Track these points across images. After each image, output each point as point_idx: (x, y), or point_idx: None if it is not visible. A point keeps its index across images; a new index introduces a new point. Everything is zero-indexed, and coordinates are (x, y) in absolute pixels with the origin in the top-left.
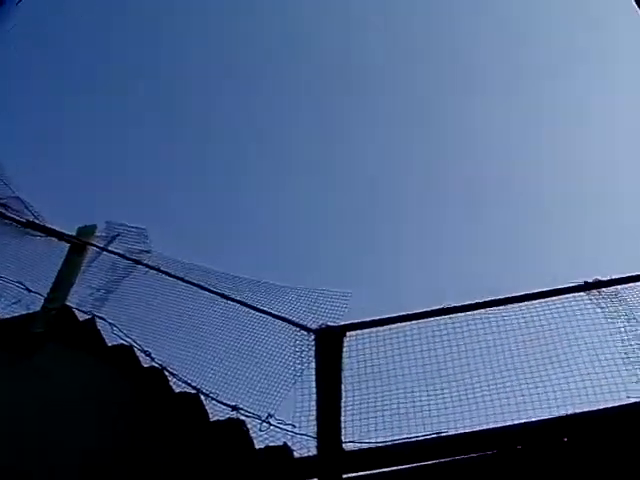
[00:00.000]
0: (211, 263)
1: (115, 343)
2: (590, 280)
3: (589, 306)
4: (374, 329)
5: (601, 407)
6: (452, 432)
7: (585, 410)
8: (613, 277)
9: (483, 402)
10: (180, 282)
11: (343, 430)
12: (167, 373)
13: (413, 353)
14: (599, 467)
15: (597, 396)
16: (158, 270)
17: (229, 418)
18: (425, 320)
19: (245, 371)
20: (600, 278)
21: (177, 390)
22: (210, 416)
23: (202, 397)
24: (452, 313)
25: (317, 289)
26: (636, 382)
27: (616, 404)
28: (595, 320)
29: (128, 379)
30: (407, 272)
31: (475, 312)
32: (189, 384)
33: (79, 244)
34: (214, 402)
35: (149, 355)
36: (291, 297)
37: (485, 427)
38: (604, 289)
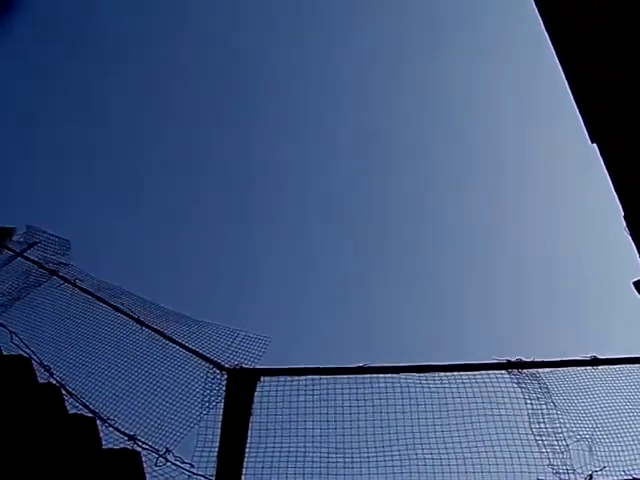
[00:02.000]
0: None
1: (13, 353)
2: (513, 359)
3: (509, 384)
4: (290, 377)
5: None
6: None
7: None
8: (535, 359)
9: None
10: (96, 301)
11: (244, 478)
12: (64, 392)
13: (326, 408)
14: None
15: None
16: (74, 285)
17: (123, 448)
18: (343, 375)
19: (149, 401)
20: (522, 358)
21: (73, 411)
22: (105, 443)
23: (99, 422)
24: (370, 373)
25: (236, 329)
26: (547, 465)
27: None
28: (513, 399)
29: (20, 393)
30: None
31: (393, 375)
32: (87, 406)
33: None
34: (111, 429)
35: (48, 370)
36: (209, 333)
37: None
38: (525, 370)
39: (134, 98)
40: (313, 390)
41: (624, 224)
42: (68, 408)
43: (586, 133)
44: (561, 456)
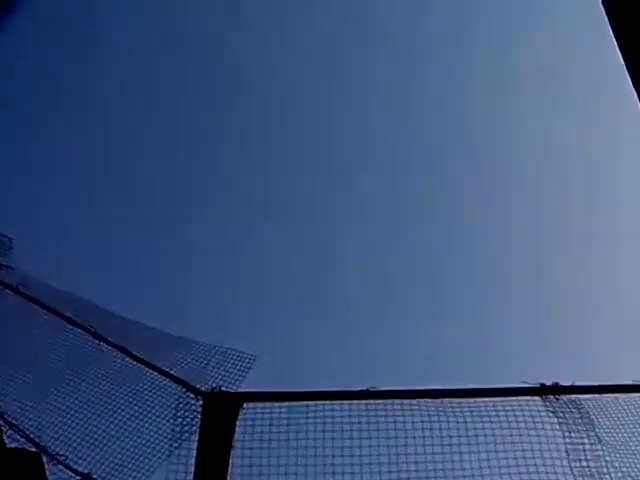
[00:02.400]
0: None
1: None
2: (548, 383)
3: (543, 413)
4: (278, 403)
5: None
6: None
7: None
8: (575, 383)
9: None
10: (44, 311)
11: None
12: (3, 422)
13: (322, 440)
14: None
15: None
16: (16, 291)
17: None
18: (343, 401)
19: (109, 433)
20: (560, 382)
21: (13, 445)
22: None
23: (45, 458)
24: (376, 398)
25: (215, 345)
26: None
27: None
28: (548, 431)
29: None
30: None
31: (403, 400)
32: (31, 439)
33: None
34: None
35: None
36: (181, 349)
37: None
38: (563, 396)
39: (134, 98)
40: (307, 418)
41: None
42: (7, 441)
43: None
44: None
